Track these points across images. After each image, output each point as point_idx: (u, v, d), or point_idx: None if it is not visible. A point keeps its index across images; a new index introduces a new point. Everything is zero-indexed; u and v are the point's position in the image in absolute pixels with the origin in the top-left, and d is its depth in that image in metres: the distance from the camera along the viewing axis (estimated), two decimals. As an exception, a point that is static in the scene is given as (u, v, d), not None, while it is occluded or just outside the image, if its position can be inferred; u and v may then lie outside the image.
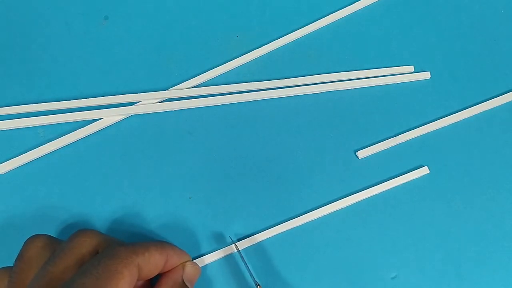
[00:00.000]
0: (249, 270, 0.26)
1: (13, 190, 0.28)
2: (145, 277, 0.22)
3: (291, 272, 0.26)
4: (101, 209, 0.27)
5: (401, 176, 0.29)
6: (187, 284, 0.23)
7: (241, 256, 0.26)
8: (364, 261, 0.27)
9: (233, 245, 0.26)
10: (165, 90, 0.30)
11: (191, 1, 0.34)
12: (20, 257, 0.22)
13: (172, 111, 0.30)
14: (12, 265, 0.22)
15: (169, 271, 0.23)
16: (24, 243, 0.23)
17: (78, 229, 0.23)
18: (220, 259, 0.26)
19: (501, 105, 0.31)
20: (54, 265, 0.20)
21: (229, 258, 0.27)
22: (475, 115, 0.30)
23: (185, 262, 0.24)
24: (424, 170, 0.29)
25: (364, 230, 0.27)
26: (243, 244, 0.27)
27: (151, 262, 0.21)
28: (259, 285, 0.25)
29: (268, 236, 0.27)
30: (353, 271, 0.27)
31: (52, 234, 0.23)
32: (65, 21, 0.33)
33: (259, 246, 0.27)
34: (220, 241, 0.27)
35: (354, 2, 0.34)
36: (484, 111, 0.31)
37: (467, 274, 0.27)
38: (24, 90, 0.30)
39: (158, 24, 0.33)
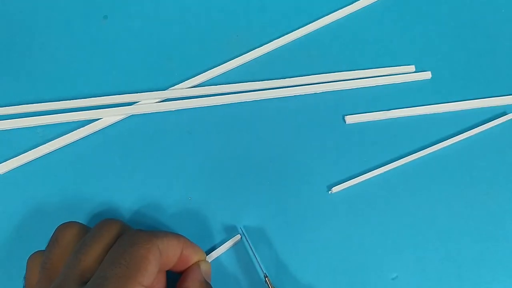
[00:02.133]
0: (257, 260, 0.26)
1: (12, 190, 0.28)
2: (164, 265, 0.22)
3: (291, 272, 0.26)
4: (100, 209, 0.27)
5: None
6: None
7: (250, 246, 0.26)
8: (365, 262, 0.27)
9: (235, 239, 0.26)
10: (164, 90, 0.30)
11: (190, 0, 0.34)
12: (55, 243, 0.22)
13: (171, 111, 0.30)
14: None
15: (189, 271, 0.23)
16: (58, 229, 0.23)
17: (104, 218, 0.23)
18: (219, 256, 0.26)
19: (501, 105, 0.31)
20: (86, 254, 0.21)
21: (229, 257, 0.27)
22: (475, 114, 0.30)
23: (199, 261, 0.24)
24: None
25: (364, 231, 0.27)
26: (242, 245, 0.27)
27: (170, 248, 0.22)
28: (267, 276, 0.25)
29: (267, 236, 0.27)
30: (353, 272, 0.26)
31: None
32: (65, 21, 0.33)
33: (259, 246, 0.27)
34: (220, 241, 0.27)
35: (354, 2, 0.34)
36: (484, 111, 0.30)
37: (467, 275, 0.26)
38: (23, 90, 0.30)
39: (157, 23, 0.33)
